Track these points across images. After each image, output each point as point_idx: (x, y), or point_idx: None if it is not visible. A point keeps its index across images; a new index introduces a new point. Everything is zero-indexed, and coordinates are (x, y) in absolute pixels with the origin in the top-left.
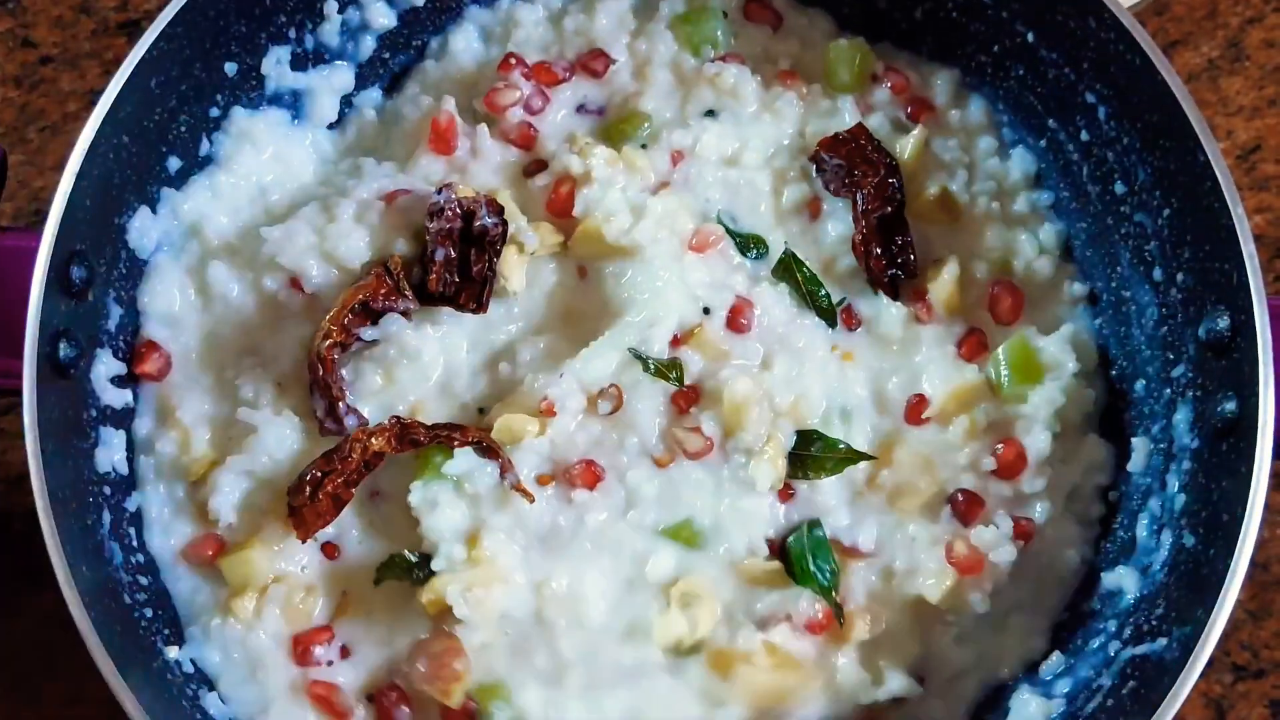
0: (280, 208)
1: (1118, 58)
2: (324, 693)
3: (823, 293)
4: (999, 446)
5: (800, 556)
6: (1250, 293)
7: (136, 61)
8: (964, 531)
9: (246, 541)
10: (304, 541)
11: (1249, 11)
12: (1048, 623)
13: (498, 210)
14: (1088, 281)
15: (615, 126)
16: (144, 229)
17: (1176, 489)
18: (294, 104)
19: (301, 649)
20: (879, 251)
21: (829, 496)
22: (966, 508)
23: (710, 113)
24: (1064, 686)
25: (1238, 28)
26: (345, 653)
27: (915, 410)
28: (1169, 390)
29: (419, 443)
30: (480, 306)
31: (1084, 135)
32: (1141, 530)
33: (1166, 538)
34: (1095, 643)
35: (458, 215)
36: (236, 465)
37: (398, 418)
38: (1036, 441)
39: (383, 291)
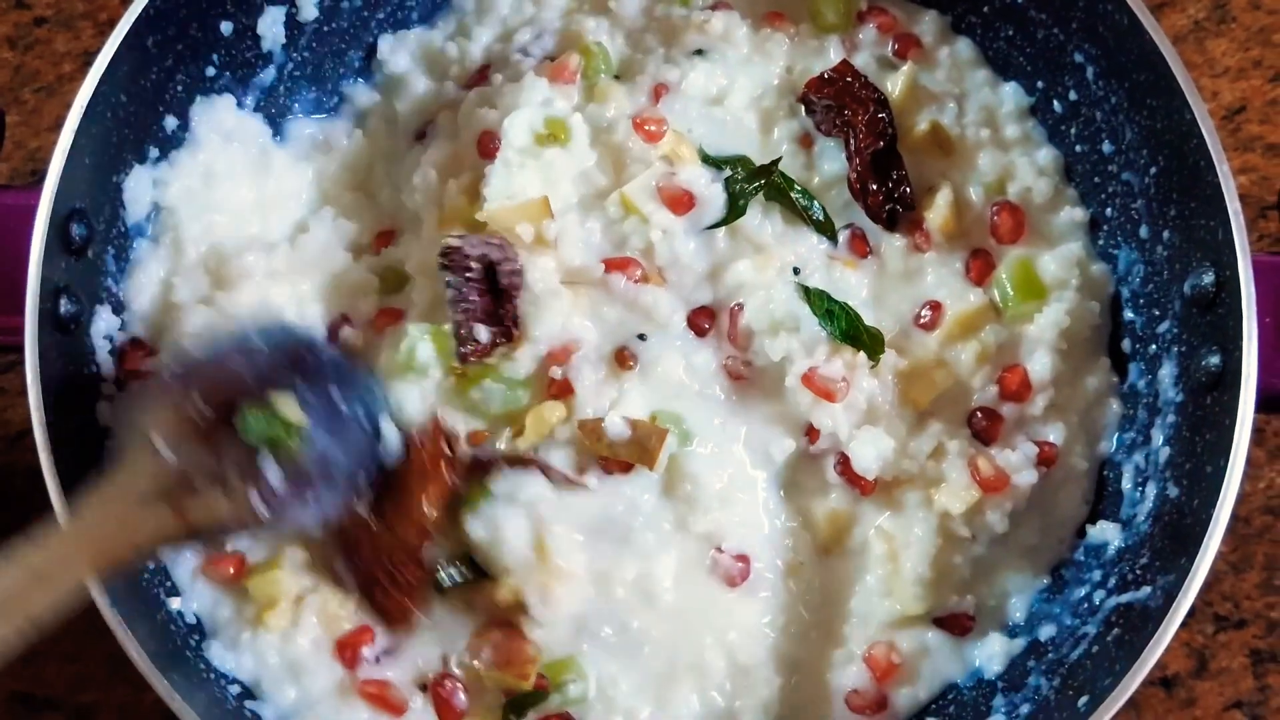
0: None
1: (1106, 17)
2: (377, 690)
3: (817, 206)
4: (1003, 373)
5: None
6: (1235, 249)
7: (134, 19)
8: (986, 450)
9: (273, 560)
10: (409, 634)
11: None
12: (1051, 559)
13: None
14: (1088, 207)
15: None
16: (141, 188)
17: (1161, 442)
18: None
19: (349, 652)
20: (875, 187)
21: (842, 418)
22: (987, 426)
23: (699, 52)
24: (1048, 632)
25: None
26: (391, 649)
27: (927, 324)
28: (1154, 346)
29: (459, 495)
30: (512, 341)
31: (1072, 95)
32: (1126, 483)
33: (1151, 490)
34: (1080, 591)
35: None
36: None
37: (445, 430)
38: (1040, 365)
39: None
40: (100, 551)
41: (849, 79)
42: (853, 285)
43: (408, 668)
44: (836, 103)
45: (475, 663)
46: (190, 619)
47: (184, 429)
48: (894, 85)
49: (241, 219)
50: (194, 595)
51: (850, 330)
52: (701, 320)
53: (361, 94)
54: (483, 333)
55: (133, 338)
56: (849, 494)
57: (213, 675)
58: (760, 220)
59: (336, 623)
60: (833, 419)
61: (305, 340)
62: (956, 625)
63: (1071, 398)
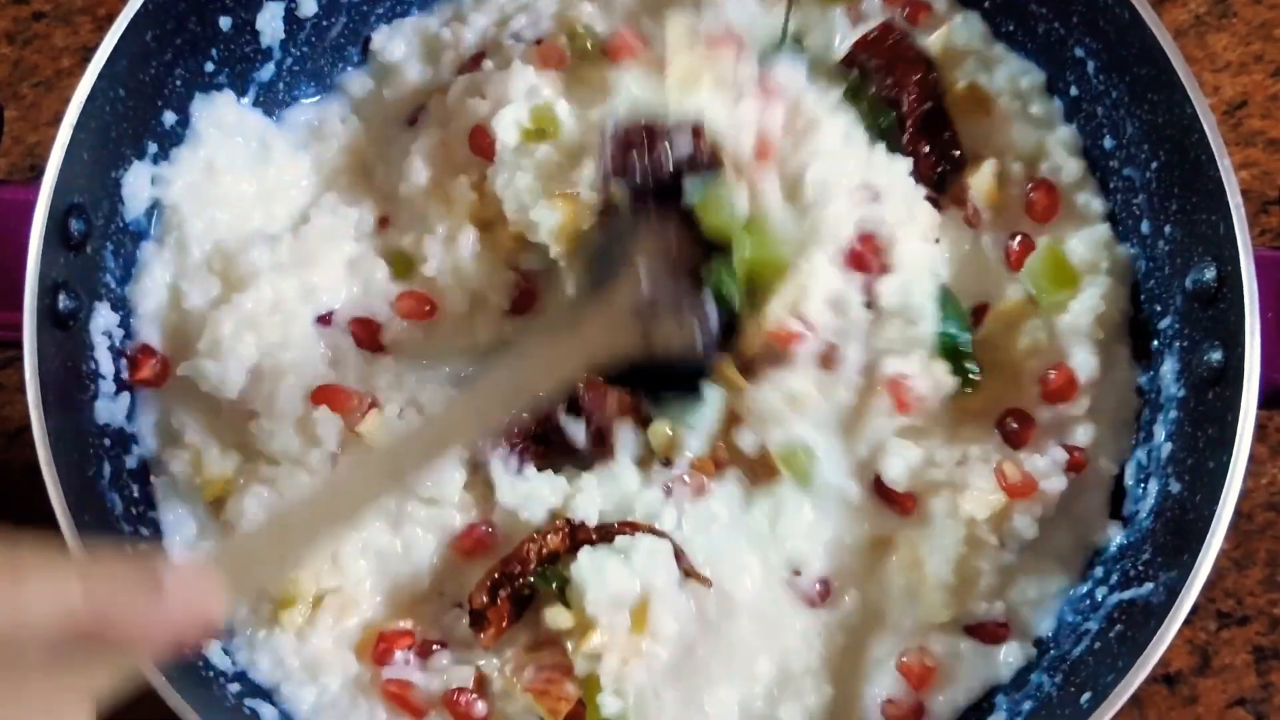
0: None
1: (1106, 11)
2: (399, 690)
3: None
4: (1051, 373)
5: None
6: (1236, 243)
7: (133, 14)
8: (1014, 455)
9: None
10: (489, 648)
11: None
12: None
13: None
14: (1108, 199)
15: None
16: (140, 184)
17: (1163, 438)
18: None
19: (383, 648)
20: (927, 150)
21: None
22: (1019, 430)
23: None
24: (1048, 628)
25: None
26: (425, 654)
27: (976, 321)
28: (1156, 341)
29: (591, 542)
30: None
31: (1073, 90)
32: (1129, 479)
33: (1153, 486)
34: (1083, 588)
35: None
36: (260, 488)
37: (568, 519)
38: (1084, 361)
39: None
40: (598, 347)
41: (894, 38)
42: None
43: (435, 677)
44: (888, 62)
45: (515, 678)
46: None
47: (659, 263)
48: (934, 41)
49: (243, 213)
50: None
51: (951, 348)
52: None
53: (355, 80)
54: None
55: (143, 345)
56: (887, 513)
57: (211, 673)
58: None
59: (357, 616)
60: (882, 431)
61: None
62: (988, 634)
63: (1105, 396)
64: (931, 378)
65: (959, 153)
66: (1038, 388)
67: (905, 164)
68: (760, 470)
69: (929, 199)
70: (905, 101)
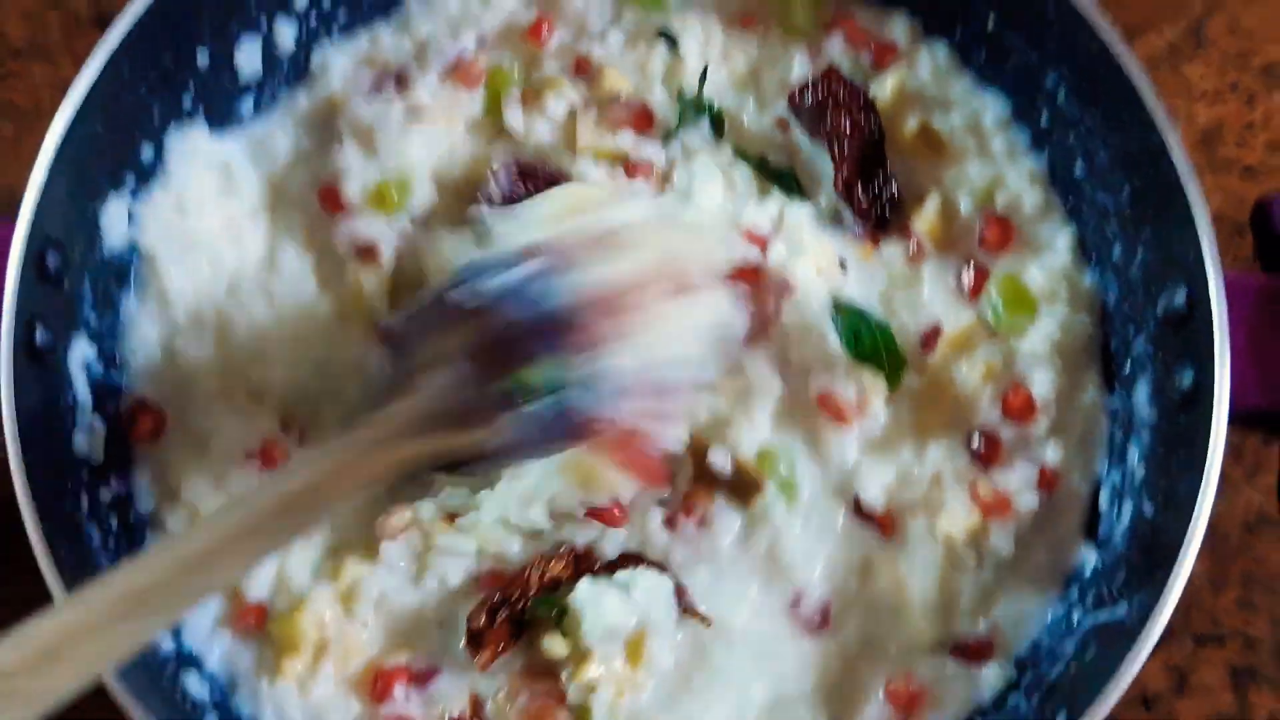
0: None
1: (1078, 41)
2: None
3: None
4: (1006, 393)
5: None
6: (1206, 268)
7: (110, 50)
8: (986, 473)
9: (296, 604)
10: (484, 670)
11: None
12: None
13: None
14: (1075, 224)
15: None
16: (118, 217)
17: (1137, 460)
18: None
19: (381, 685)
20: (861, 191)
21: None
22: (986, 450)
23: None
24: (1027, 649)
25: (1200, 13)
26: (422, 682)
27: (927, 344)
28: (1129, 364)
29: (595, 571)
30: None
31: (1044, 118)
32: (1104, 501)
33: (1127, 508)
34: (1060, 610)
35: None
36: None
37: (573, 548)
38: (1042, 383)
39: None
40: (391, 456)
41: (834, 83)
42: (869, 285)
43: (434, 707)
44: (821, 107)
45: (509, 703)
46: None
47: (455, 362)
48: (883, 87)
49: (216, 255)
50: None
51: (872, 350)
52: None
53: (300, 97)
54: None
55: (138, 400)
56: (869, 533)
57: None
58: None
59: (360, 657)
60: (841, 447)
61: (568, 312)
62: (973, 653)
63: (1070, 417)
64: (856, 383)
65: (896, 192)
66: (998, 408)
67: (800, 205)
68: (741, 489)
69: (873, 234)
70: (838, 144)
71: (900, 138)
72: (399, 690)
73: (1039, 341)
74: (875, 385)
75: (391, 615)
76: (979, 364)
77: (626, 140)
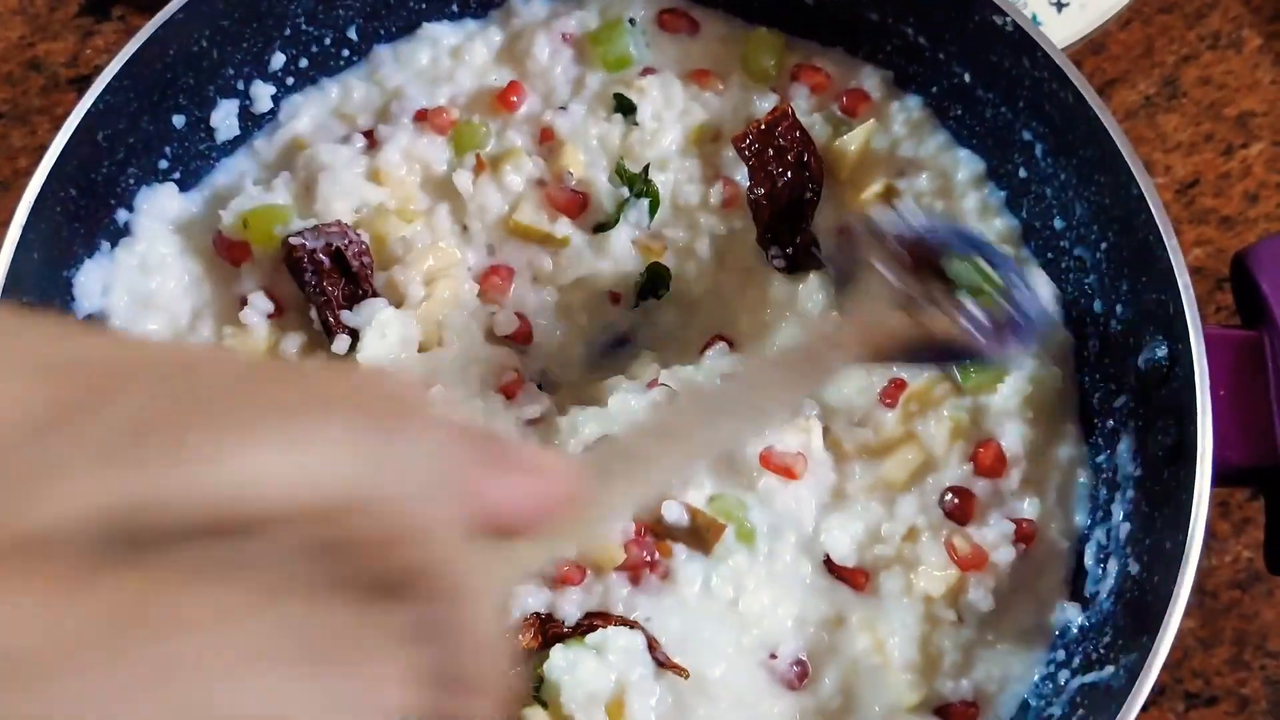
0: None
1: (1051, 95)
2: None
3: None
4: (977, 449)
5: None
6: (1186, 322)
7: (83, 114)
8: (963, 529)
9: None
10: None
11: (1184, 49)
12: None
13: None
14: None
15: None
16: (92, 282)
17: (1121, 517)
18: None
19: None
20: (773, 250)
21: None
22: (960, 505)
23: (624, 106)
24: (1012, 713)
25: (1173, 66)
26: None
27: (889, 400)
28: (1112, 421)
29: (562, 637)
30: None
31: (1021, 173)
32: (1089, 559)
33: (1113, 566)
34: (1046, 671)
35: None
36: None
37: (538, 614)
38: (1013, 437)
39: None
40: (866, 340)
41: (781, 126)
42: None
43: None
44: (759, 151)
45: None
46: None
47: (898, 265)
48: (849, 141)
49: (173, 317)
50: None
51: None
52: None
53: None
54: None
55: None
56: (840, 588)
57: None
58: None
59: None
60: (797, 502)
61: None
62: (959, 715)
63: (1045, 470)
64: (799, 433)
65: (814, 251)
66: (969, 465)
67: None
68: (699, 535)
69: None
70: (757, 192)
71: (859, 200)
72: None
73: (1010, 396)
74: (814, 429)
75: None
76: (945, 421)
77: (563, 227)
